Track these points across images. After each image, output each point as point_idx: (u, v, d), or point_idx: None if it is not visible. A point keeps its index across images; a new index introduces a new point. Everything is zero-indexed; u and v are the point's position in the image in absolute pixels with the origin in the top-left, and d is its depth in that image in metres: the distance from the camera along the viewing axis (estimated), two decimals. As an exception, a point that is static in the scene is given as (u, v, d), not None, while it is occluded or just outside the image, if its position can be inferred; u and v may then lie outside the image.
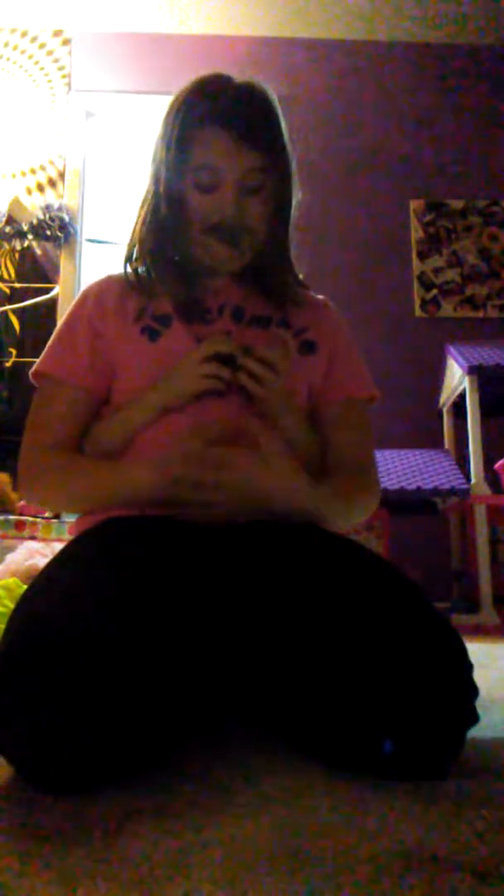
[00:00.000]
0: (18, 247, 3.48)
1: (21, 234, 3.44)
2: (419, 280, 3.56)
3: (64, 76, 3.67)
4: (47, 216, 3.43)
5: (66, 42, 3.70)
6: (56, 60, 3.68)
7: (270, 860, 0.49)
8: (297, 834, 0.54)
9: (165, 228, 1.00)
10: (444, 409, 3.23)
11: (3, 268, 3.49)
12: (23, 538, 2.36)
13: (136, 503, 0.92)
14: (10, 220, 3.43)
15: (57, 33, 3.70)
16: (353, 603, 0.73)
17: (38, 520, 2.48)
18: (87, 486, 0.97)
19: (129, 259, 1.05)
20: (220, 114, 0.94)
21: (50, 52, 3.69)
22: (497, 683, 1.27)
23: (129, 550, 0.81)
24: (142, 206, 1.03)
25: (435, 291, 3.56)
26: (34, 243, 3.50)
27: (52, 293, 3.45)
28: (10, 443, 1.80)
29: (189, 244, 1.00)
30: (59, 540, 2.37)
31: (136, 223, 1.04)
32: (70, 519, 2.38)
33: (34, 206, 3.48)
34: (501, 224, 3.63)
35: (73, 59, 3.69)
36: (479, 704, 0.70)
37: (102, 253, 3.71)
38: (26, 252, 3.51)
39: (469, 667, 0.70)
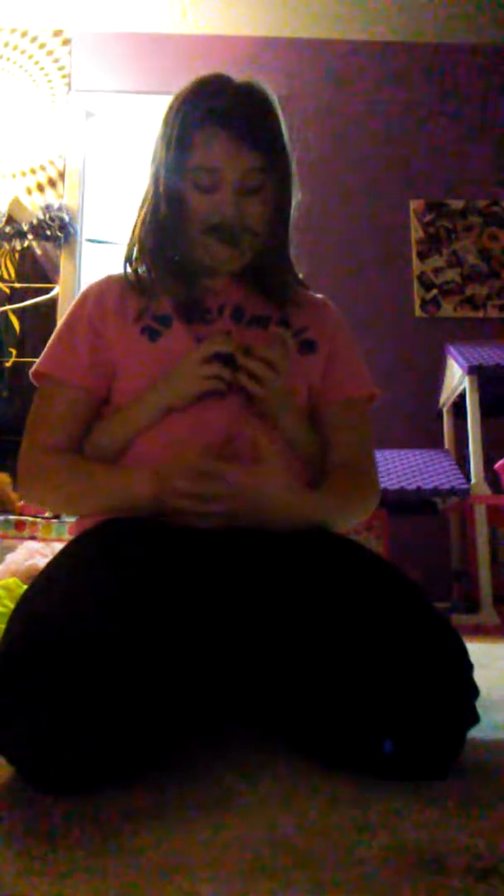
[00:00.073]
0: (18, 247, 3.48)
1: (21, 234, 3.44)
2: (419, 280, 3.56)
3: (64, 76, 3.67)
4: (47, 216, 3.43)
5: (66, 42, 3.70)
6: (56, 60, 3.68)
7: (270, 860, 0.49)
8: (296, 834, 0.54)
9: (165, 228, 1.00)
10: (444, 409, 3.23)
11: (3, 268, 3.49)
12: (23, 538, 2.36)
13: (133, 511, 0.92)
14: (10, 220, 3.42)
15: (57, 33, 3.70)
16: (352, 603, 0.73)
17: (38, 520, 2.48)
18: (85, 489, 0.97)
19: (128, 259, 1.05)
20: (219, 114, 0.94)
21: (50, 52, 3.69)
22: (497, 683, 1.27)
23: (128, 550, 0.81)
24: (142, 207, 1.03)
25: (435, 291, 3.55)
26: (34, 243, 3.50)
27: (52, 293, 3.45)
28: (10, 443, 1.80)
29: (189, 244, 1.00)
30: (59, 540, 2.38)
31: (136, 223, 1.04)
32: (70, 519, 2.38)
33: (34, 206, 3.48)
34: (501, 224, 3.63)
35: (73, 59, 3.69)
36: (479, 704, 0.70)
37: (102, 253, 3.71)
38: (26, 252, 3.51)
39: (469, 667, 0.70)
